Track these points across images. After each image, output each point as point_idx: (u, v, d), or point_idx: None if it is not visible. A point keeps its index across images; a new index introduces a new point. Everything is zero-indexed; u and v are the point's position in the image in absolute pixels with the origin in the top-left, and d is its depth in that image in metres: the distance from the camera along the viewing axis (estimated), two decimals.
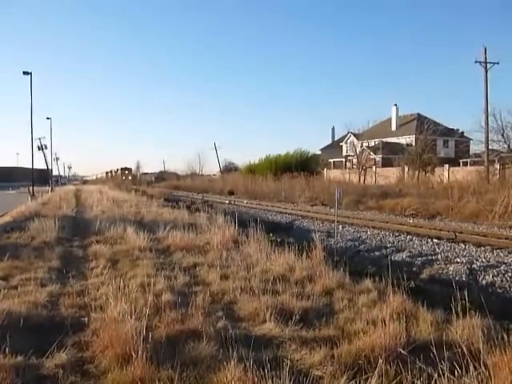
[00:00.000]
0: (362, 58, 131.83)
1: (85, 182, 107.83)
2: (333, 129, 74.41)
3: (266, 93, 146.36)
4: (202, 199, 29.30)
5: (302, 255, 7.43)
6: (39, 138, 49.55)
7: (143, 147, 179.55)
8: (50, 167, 61.57)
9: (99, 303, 5.28)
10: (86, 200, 26.54)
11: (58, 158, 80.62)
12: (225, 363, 3.51)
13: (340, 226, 14.53)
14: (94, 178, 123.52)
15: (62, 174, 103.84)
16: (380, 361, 3.51)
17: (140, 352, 3.64)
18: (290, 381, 3.17)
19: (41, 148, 51.13)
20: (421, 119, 50.07)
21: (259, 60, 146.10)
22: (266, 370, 3.29)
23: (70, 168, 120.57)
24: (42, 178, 56.81)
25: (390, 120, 58.90)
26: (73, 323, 4.72)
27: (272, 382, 3.13)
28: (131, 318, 4.26)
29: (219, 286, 6.23)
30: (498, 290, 7.60)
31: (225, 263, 7.54)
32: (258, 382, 3.19)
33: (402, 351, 3.74)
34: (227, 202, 27.78)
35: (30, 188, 34.58)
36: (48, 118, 53.74)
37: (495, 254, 10.15)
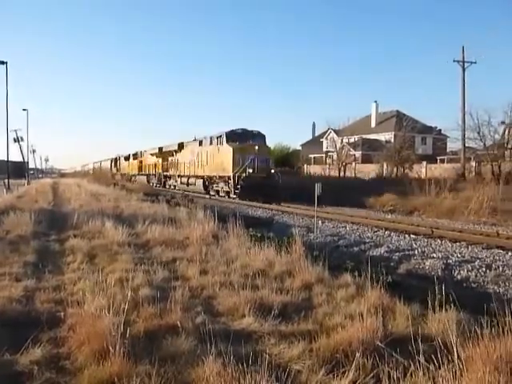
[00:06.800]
0: (343, 56, 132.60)
1: (63, 175, 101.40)
2: (313, 125, 74.82)
3: (245, 87, 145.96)
4: (182, 194, 29.06)
5: (281, 250, 7.46)
6: (15, 130, 48.40)
7: (122, 141, 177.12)
8: (26, 160, 60.22)
9: (76, 298, 5.19)
10: (64, 193, 26.08)
11: (34, 151, 78.87)
12: (203, 358, 3.50)
13: (320, 222, 14.62)
14: (73, 171, 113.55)
15: (38, 166, 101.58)
16: (357, 354, 3.55)
17: (117, 347, 3.60)
18: (268, 375, 3.18)
19: (17, 140, 49.97)
20: (400, 116, 50.73)
21: (240, 55, 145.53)
22: (245, 365, 3.30)
23: (46, 161, 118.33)
24: (18, 170, 55.56)
25: (369, 117, 59.55)
26: (48, 319, 4.64)
27: (251, 376, 3.13)
28: (109, 313, 4.21)
29: (198, 280, 6.21)
30: (473, 284, 7.78)
31: (204, 258, 7.51)
32: (236, 376, 3.19)
33: (380, 344, 3.79)
34: (207, 196, 27.63)
35: (5, 181, 33.79)
36: (24, 110, 52.42)
37: (470, 250, 10.37)
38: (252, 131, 26.48)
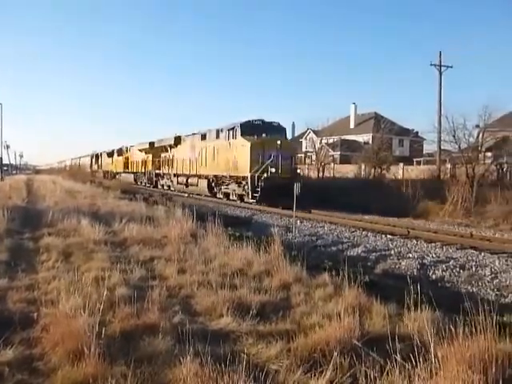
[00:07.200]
0: (325, 58, 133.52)
1: (38, 172, 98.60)
2: (293, 125, 74.94)
3: (225, 86, 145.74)
4: (161, 192, 28.81)
5: (260, 249, 7.46)
6: None
7: (99, 139, 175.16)
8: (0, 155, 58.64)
9: (50, 298, 5.09)
10: (39, 190, 25.54)
11: (8, 146, 76.76)
12: (181, 358, 3.47)
13: (298, 221, 14.69)
14: (49, 167, 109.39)
15: (12, 162, 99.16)
16: (335, 353, 3.57)
17: (92, 348, 3.54)
18: (246, 375, 3.17)
19: None
20: (377, 118, 51.42)
21: (222, 51, 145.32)
22: (222, 365, 3.28)
23: (21, 157, 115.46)
24: None
25: (348, 118, 60.12)
26: (21, 319, 4.52)
27: (229, 376, 3.12)
28: (84, 312, 4.14)
29: (176, 280, 6.16)
30: (447, 284, 7.93)
31: (182, 257, 7.46)
32: (214, 377, 3.17)
33: (357, 343, 3.83)
34: (186, 195, 27.46)
35: None
36: None
37: (444, 250, 10.57)
38: (271, 123, 21.73)
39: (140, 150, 39.14)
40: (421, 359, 3.29)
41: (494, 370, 3.26)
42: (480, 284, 7.78)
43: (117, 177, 46.78)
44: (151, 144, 35.84)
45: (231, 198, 22.69)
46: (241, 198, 21.66)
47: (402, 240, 11.93)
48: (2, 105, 50.46)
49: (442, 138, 28.78)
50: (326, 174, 40.69)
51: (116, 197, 20.73)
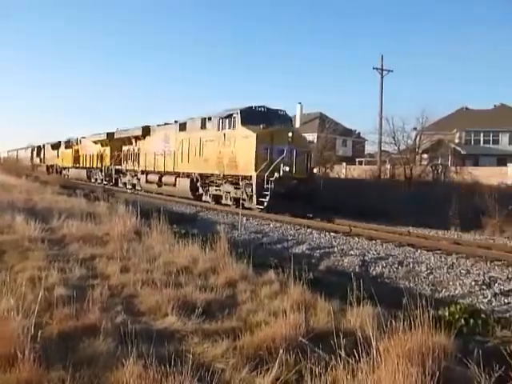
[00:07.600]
0: (273, 57, 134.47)
1: None
2: None
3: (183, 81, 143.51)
4: (103, 187, 27.85)
5: (205, 247, 7.40)
6: None
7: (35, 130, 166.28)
8: None
9: None
10: None
11: None
12: (123, 360, 3.35)
13: (244, 219, 14.71)
14: None
15: None
16: (281, 351, 3.60)
17: (27, 352, 3.33)
18: (192, 376, 3.11)
19: None
20: (322, 118, 52.71)
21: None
22: (167, 366, 3.20)
23: None
24: None
25: (294, 117, 61.16)
26: None
27: (174, 377, 3.05)
28: (18, 315, 3.89)
29: (119, 278, 5.98)
30: (387, 280, 8.25)
31: (125, 255, 7.26)
32: (158, 378, 3.09)
33: (302, 340, 3.87)
34: (129, 191, 26.74)
35: None
36: None
37: (384, 247, 10.98)
38: (277, 111, 17.97)
39: (95, 142, 33.97)
40: (363, 354, 3.38)
41: (430, 362, 3.41)
42: (417, 280, 8.16)
43: (64, 172, 42.61)
44: (110, 135, 31.12)
45: (223, 202, 18.68)
46: (237, 202, 17.17)
47: (344, 238, 12.26)
48: None
49: (382, 140, 30.04)
50: None
51: (54, 192, 19.83)
